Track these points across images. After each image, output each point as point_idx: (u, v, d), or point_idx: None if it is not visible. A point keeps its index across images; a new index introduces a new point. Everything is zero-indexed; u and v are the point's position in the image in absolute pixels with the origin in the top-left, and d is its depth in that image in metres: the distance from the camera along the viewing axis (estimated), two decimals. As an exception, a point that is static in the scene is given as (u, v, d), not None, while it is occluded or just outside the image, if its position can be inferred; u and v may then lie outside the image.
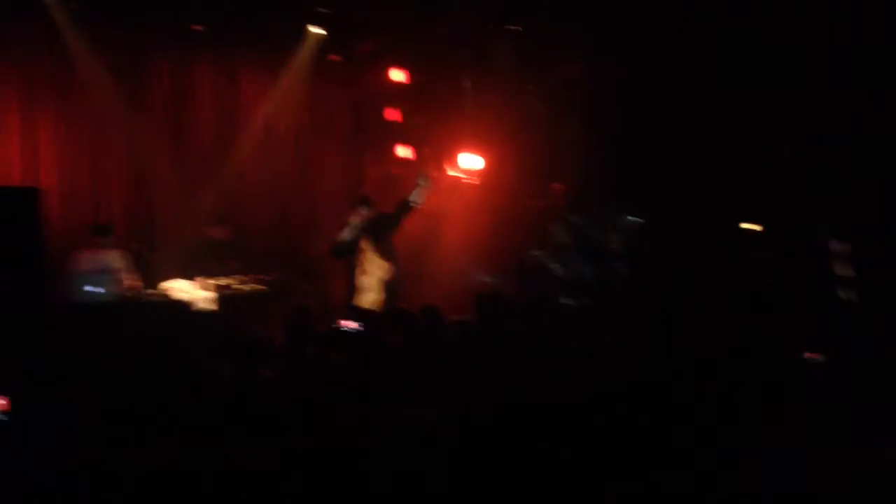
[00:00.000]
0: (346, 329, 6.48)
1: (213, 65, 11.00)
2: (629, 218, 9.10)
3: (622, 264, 8.93)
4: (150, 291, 8.62)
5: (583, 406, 4.08)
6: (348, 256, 8.27)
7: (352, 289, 8.24)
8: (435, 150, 11.12)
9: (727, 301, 6.90)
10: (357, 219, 8.30)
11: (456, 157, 10.60)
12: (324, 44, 10.90)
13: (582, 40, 9.56)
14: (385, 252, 8.17)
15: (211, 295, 8.61)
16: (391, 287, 8.09)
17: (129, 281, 8.51)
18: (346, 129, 12.00)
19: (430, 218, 10.28)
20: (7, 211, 7.17)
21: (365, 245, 8.20)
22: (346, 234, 8.26)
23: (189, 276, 8.77)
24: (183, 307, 8.37)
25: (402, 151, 11.56)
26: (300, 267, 10.29)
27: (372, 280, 8.15)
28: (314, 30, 10.69)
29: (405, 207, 8.25)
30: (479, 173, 10.56)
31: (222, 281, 8.86)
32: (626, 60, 9.02)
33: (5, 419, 4.59)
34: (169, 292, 8.59)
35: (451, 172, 10.60)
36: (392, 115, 11.57)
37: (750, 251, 7.79)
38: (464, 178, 10.56)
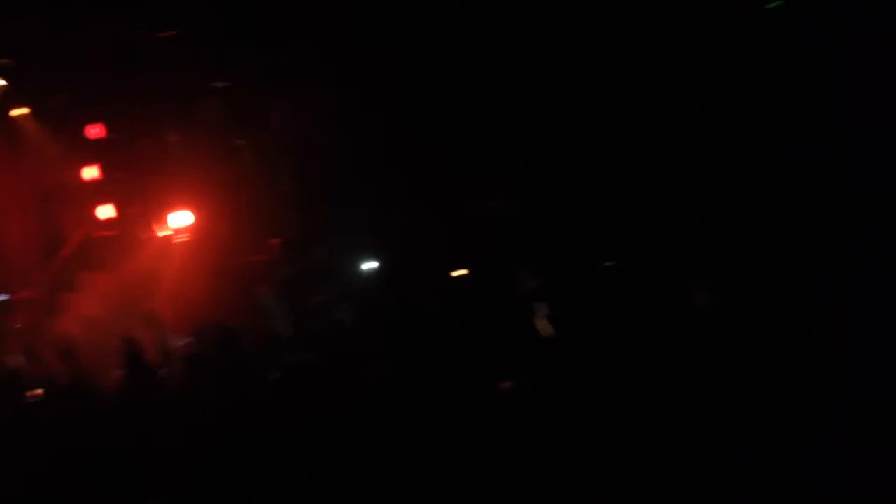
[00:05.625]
0: None
1: None
2: (362, 265, 9.33)
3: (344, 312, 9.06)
4: None
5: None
6: None
7: None
8: (142, 209, 10.64)
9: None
10: None
11: (165, 215, 10.24)
12: (8, 98, 10.11)
13: (282, 103, 9.76)
14: None
15: None
16: None
17: None
18: (38, 188, 11.13)
19: (139, 280, 9.83)
20: None
21: None
22: None
23: None
24: None
25: (106, 211, 10.90)
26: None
27: None
28: (-5, 82, 9.91)
29: None
30: (191, 230, 10.27)
31: None
32: (332, 119, 9.37)
33: None
34: None
35: (160, 232, 10.23)
36: (91, 172, 10.90)
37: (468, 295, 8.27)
38: (175, 237, 10.22)
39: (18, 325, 9.84)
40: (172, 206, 10.27)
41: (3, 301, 10.31)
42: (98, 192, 10.91)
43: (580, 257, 7.50)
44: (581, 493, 4.31)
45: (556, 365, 5.62)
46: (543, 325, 6.86)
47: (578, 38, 8.52)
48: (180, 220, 10.24)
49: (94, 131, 10.65)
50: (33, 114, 10.67)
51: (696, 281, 5.91)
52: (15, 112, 10.48)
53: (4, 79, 10.01)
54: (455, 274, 8.39)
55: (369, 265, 9.30)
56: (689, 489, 4.19)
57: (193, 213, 10.28)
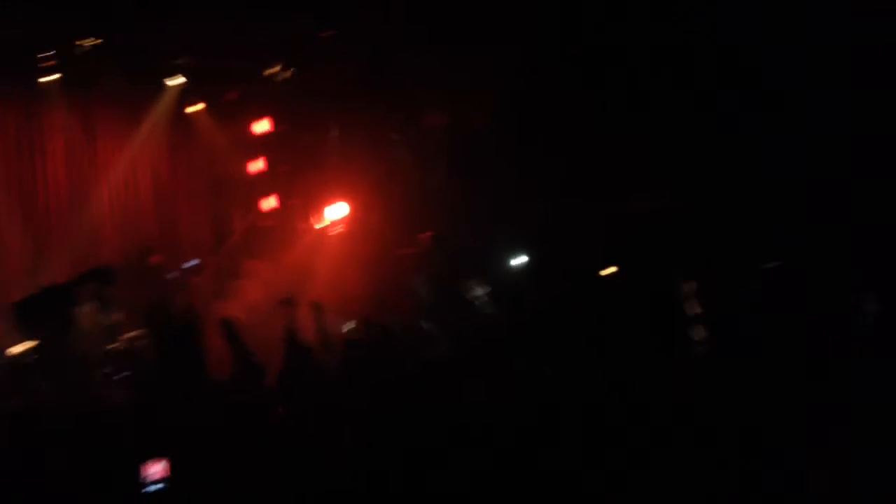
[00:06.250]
0: None
1: (67, 117, 10.51)
2: (513, 261, 9.31)
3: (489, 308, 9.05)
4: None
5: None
6: None
7: None
8: (302, 201, 11.02)
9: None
10: None
11: (323, 207, 10.55)
12: (184, 94, 10.69)
13: (443, 94, 9.80)
14: None
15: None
16: None
17: None
18: (210, 180, 11.73)
19: (298, 270, 10.16)
20: None
21: None
22: None
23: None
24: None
25: (269, 203, 11.37)
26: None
27: None
28: (174, 80, 10.48)
29: None
30: (347, 222, 10.54)
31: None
32: (487, 113, 9.34)
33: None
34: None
35: (318, 224, 10.54)
36: (257, 165, 11.40)
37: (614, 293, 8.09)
38: (332, 229, 10.52)
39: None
40: (330, 198, 10.56)
41: (187, 269, 10.79)
42: (263, 184, 11.41)
43: (735, 258, 7.17)
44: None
45: (704, 365, 5.41)
46: (697, 329, 6.61)
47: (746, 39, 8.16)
48: (337, 211, 10.53)
49: (261, 126, 11.13)
50: (207, 109, 11.25)
51: (859, 285, 5.53)
52: (191, 107, 11.05)
53: (183, 75, 10.54)
54: (605, 272, 8.22)
55: (518, 260, 9.24)
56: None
57: (350, 205, 10.54)
